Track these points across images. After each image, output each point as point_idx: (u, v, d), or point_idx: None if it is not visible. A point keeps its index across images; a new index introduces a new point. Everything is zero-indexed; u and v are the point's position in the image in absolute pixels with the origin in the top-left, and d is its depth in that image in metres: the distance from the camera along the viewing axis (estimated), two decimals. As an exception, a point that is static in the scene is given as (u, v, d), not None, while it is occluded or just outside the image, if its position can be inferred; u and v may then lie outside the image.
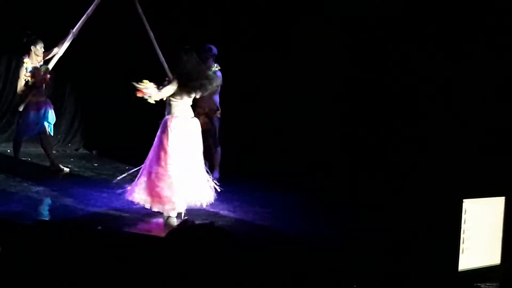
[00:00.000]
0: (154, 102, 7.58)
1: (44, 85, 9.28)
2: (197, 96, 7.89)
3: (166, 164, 7.51)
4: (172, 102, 7.67)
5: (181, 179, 7.52)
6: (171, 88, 7.59)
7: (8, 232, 4.61)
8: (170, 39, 8.91)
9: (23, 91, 9.15)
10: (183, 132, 7.65)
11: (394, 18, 9.52)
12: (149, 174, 7.60)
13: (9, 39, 10.42)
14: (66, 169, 9.61)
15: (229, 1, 10.66)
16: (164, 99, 7.64)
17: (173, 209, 7.60)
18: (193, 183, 7.67)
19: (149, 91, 7.48)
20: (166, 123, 7.64)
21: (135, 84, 7.46)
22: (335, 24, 9.87)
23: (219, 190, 7.85)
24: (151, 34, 9.25)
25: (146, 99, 7.52)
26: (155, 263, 1.88)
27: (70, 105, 11.34)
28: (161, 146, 7.59)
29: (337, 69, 9.94)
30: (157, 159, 7.58)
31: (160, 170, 7.53)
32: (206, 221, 1.89)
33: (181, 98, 7.67)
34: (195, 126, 7.83)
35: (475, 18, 8.81)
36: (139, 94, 7.47)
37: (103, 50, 11.02)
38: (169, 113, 7.71)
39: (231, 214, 7.95)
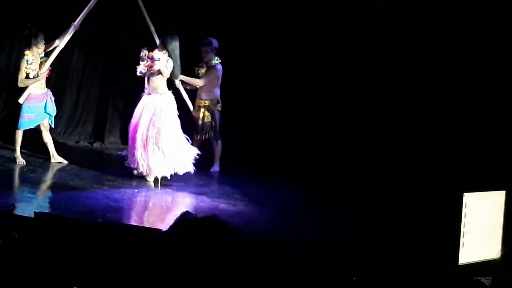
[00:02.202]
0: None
1: (44, 77, 9.28)
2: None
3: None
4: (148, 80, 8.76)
5: (144, 148, 8.55)
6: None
7: (8, 224, 4.61)
8: (172, 33, 8.89)
9: (23, 83, 9.16)
10: (149, 107, 8.64)
11: (393, 18, 9.53)
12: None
13: (10, 31, 10.40)
14: (66, 162, 9.61)
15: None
16: (165, 75, 8.68)
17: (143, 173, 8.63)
18: (160, 153, 8.53)
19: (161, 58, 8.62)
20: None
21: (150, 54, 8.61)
22: (335, 25, 9.86)
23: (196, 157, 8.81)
24: (152, 27, 9.26)
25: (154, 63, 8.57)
26: (155, 256, 1.87)
27: (70, 97, 11.32)
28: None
29: (337, 66, 9.95)
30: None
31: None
32: (209, 214, 1.88)
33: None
34: (164, 101, 8.73)
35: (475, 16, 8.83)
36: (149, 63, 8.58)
37: (104, 43, 11.00)
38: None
39: (231, 208, 7.95)
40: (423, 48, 9.30)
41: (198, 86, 9.56)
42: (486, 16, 8.79)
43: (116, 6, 10.08)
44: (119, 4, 10.03)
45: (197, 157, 8.84)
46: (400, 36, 9.47)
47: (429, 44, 9.26)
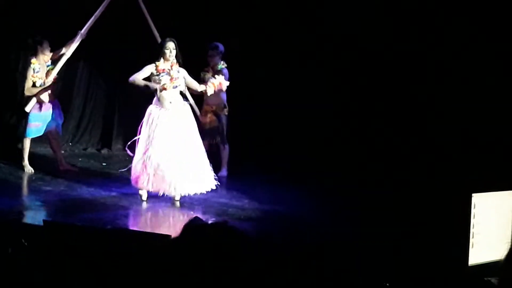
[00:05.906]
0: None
1: (51, 85, 9.31)
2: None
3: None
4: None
5: (162, 166, 7.80)
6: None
7: (17, 232, 4.62)
8: (177, 39, 8.91)
9: (30, 91, 9.18)
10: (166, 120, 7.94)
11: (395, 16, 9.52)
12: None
13: (16, 39, 10.44)
14: (74, 169, 9.62)
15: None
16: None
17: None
18: (182, 170, 7.86)
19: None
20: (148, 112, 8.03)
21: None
22: (338, 25, 9.86)
23: (216, 183, 8.18)
24: (157, 34, 9.26)
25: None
26: (166, 262, 1.87)
27: (78, 104, 11.35)
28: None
29: (341, 64, 9.94)
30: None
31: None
32: (219, 220, 1.87)
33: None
34: (183, 113, 8.12)
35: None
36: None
37: (110, 51, 11.03)
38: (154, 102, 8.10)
39: (240, 212, 7.94)
40: (430, 44, 9.28)
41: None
42: (487, 15, 8.78)
43: (122, 14, 10.11)
44: (125, 12, 10.06)
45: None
46: (403, 35, 9.45)
47: (437, 40, 9.23)
